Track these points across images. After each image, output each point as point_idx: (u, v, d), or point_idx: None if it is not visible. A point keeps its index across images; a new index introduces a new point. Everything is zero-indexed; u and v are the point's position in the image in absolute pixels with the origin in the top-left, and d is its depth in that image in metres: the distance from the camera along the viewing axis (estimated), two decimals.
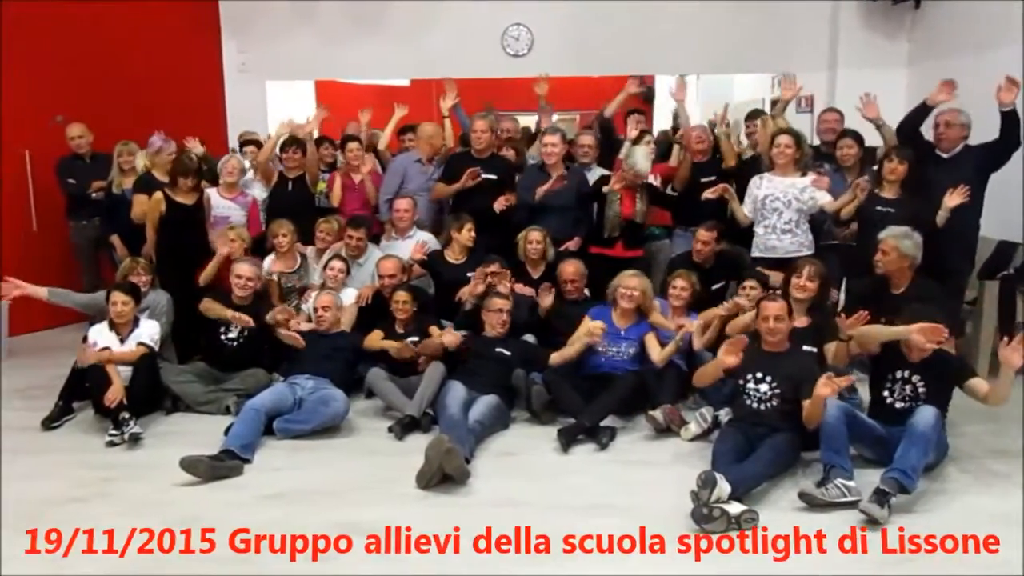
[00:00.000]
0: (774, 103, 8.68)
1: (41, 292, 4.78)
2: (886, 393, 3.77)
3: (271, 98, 8.13)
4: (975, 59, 6.08)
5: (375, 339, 4.74)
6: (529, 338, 4.85)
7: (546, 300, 4.82)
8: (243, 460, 3.85)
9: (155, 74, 7.04)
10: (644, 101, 9.63)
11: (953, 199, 4.56)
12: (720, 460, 3.47)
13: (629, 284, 4.61)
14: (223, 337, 4.78)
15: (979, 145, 4.87)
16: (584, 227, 5.45)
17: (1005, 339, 3.59)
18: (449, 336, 4.53)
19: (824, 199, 4.94)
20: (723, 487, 3.19)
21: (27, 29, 6.25)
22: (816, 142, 5.88)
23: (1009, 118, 4.67)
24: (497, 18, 7.66)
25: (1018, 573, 2.89)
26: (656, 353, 4.48)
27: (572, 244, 5.35)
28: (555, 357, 4.52)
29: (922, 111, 4.98)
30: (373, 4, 7.69)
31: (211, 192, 5.52)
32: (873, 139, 5.39)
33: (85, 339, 5.67)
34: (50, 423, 4.41)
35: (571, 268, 4.97)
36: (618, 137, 6.02)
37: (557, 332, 4.76)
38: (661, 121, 9.45)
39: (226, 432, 4.01)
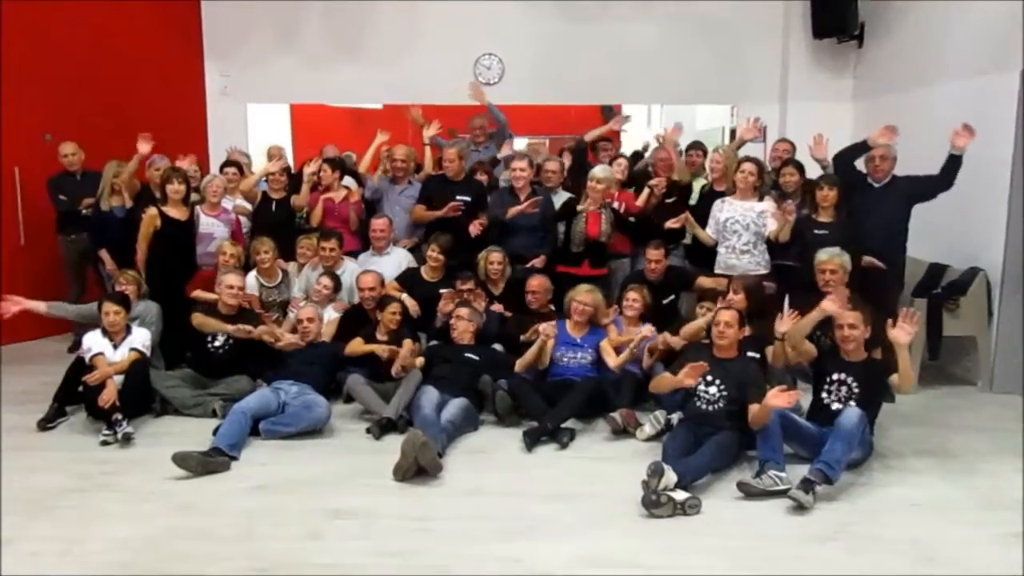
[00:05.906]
0: (732, 132, 9.22)
1: (40, 307, 5.02)
2: (824, 395, 4.18)
3: (252, 119, 8.45)
4: (913, 95, 6.54)
5: (358, 345, 5.05)
6: (498, 347, 5.21)
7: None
8: (231, 457, 4.14)
9: (140, 95, 7.32)
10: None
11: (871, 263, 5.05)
12: (669, 453, 3.85)
13: (583, 300, 5.01)
14: (210, 346, 5.06)
15: (906, 177, 5.32)
16: (548, 245, 5.82)
17: (890, 321, 3.98)
18: (421, 360, 4.93)
19: (772, 226, 5.36)
20: (670, 476, 3.57)
21: (18, 50, 6.51)
22: (768, 169, 6.34)
23: (955, 161, 5.06)
24: (470, 47, 8.08)
25: (1018, 573, 3.08)
26: (612, 359, 4.87)
27: (537, 261, 5.71)
28: (519, 363, 4.89)
29: (862, 148, 5.39)
30: (352, 32, 8.07)
31: (197, 210, 5.82)
32: (812, 174, 5.76)
33: (74, 347, 5.97)
34: (45, 424, 4.66)
35: (536, 282, 5.36)
36: (589, 162, 6.44)
37: (524, 343, 5.11)
38: (627, 148, 9.89)
39: (214, 433, 4.29)
